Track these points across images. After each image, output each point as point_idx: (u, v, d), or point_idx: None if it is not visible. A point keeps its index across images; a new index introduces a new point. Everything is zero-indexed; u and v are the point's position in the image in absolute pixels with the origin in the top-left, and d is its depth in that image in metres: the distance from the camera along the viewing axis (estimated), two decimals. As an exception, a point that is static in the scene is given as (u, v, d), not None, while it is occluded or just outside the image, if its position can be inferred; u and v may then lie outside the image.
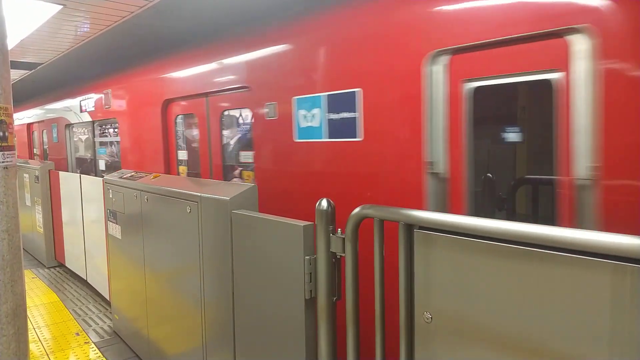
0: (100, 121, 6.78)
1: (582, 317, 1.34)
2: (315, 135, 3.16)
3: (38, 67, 6.73)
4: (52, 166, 7.65)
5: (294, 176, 3.36)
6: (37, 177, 7.58)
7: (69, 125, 7.82)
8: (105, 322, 5.14)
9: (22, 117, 10.72)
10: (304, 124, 3.24)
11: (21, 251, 2.49)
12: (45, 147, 9.46)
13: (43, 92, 9.58)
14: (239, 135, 4.29)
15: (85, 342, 4.62)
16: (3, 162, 2.35)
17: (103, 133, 7.00)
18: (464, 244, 1.61)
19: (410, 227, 1.80)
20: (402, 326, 1.84)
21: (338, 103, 2.99)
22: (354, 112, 2.89)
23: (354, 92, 2.89)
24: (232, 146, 4.35)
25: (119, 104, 5.91)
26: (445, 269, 1.69)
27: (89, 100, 6.76)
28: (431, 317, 1.73)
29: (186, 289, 3.31)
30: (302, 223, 2.30)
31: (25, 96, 10.64)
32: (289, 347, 2.40)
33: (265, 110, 3.55)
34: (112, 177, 4.59)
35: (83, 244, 6.32)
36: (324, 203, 2.16)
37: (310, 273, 2.25)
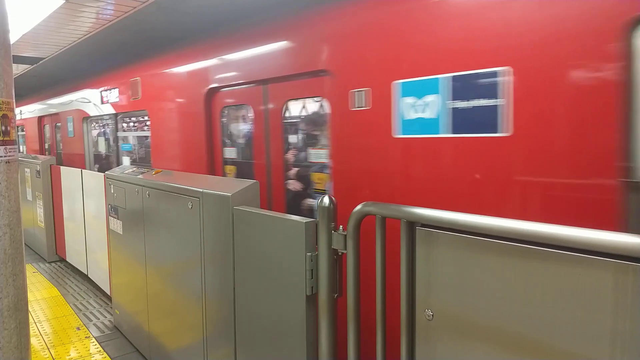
0: (125, 114, 6.07)
1: (584, 316, 1.34)
2: (430, 129, 2.43)
3: (53, 55, 6.40)
4: (53, 161, 7.64)
5: (392, 181, 2.63)
6: (38, 171, 7.59)
7: (86, 118, 7.06)
8: (106, 317, 5.15)
9: (34, 110, 9.86)
10: (410, 115, 2.52)
11: (22, 245, 2.49)
12: (58, 141, 8.70)
13: (57, 83, 8.74)
14: (308, 130, 3.58)
15: (85, 337, 4.63)
16: (5, 156, 2.35)
17: (129, 127, 6.40)
18: (466, 242, 1.61)
19: (412, 224, 1.80)
20: (403, 323, 1.84)
21: (470, 87, 2.26)
22: (496, 98, 2.15)
23: (498, 71, 2.15)
24: (296, 143, 3.67)
25: (150, 94, 5.13)
26: (447, 267, 1.69)
27: (113, 91, 5.99)
28: (432, 315, 1.73)
29: (187, 285, 3.31)
30: (303, 219, 2.30)
31: (38, 87, 9.87)
32: (290, 343, 2.41)
33: (351, 99, 2.82)
34: (114, 172, 4.58)
35: (84, 239, 6.32)
36: (326, 200, 2.15)
37: (312, 270, 2.25)
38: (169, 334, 3.69)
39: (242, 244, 2.75)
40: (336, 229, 2.16)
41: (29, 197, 8.16)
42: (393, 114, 2.58)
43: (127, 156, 6.30)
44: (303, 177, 3.56)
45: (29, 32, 4.95)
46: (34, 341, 4.47)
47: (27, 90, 10.42)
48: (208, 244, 3.04)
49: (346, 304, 2.09)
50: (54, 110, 8.47)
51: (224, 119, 4.23)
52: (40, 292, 6.07)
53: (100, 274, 5.90)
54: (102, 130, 7.01)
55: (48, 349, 4.36)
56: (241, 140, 4.20)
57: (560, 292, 1.38)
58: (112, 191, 4.47)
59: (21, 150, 11.32)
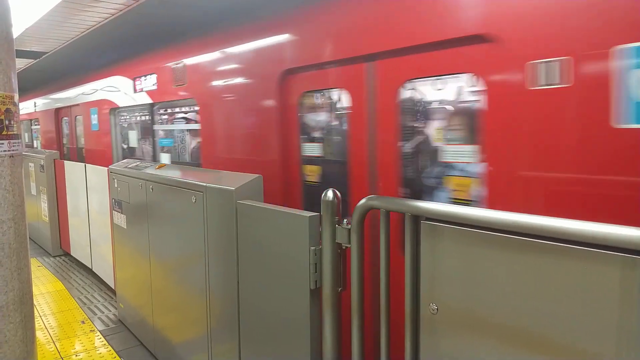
0: (165, 103, 5.18)
1: (590, 310, 1.33)
2: None
3: (56, 49, 6.27)
4: (57, 155, 7.65)
5: (613, 193, 1.80)
6: (42, 166, 7.61)
7: (114, 110, 6.13)
8: (111, 311, 5.18)
9: (50, 101, 8.76)
10: None
11: (27, 240, 2.50)
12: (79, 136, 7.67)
13: (76, 71, 7.78)
14: (438, 118, 2.73)
15: (90, 330, 4.66)
16: (9, 150, 2.35)
17: (170, 119, 5.55)
18: (471, 236, 1.60)
19: (417, 218, 1.79)
20: (407, 317, 1.84)
21: None
22: None
23: None
24: (424, 137, 2.82)
25: (200, 80, 4.26)
26: (452, 261, 1.68)
27: (149, 78, 5.11)
28: (437, 309, 1.73)
29: (191, 279, 3.32)
30: (307, 213, 2.30)
31: (44, 80, 9.06)
32: (294, 337, 2.41)
33: (531, 73, 2.01)
34: (118, 166, 4.59)
35: (88, 233, 6.35)
36: (330, 194, 2.15)
37: (316, 264, 2.25)
38: (173, 327, 3.70)
39: (246, 238, 2.75)
40: (340, 223, 2.16)
41: (33, 192, 8.19)
42: (615, 93, 1.79)
43: (167, 153, 5.43)
44: (431, 182, 2.73)
45: (32, 26, 4.94)
46: (39, 334, 4.50)
47: (35, 84, 9.96)
48: (212, 238, 3.04)
49: (350, 298, 2.09)
50: (74, 102, 7.50)
51: (304, 107, 3.40)
52: (45, 286, 6.10)
53: (104, 268, 5.92)
54: (134, 123, 6.08)
55: (53, 342, 4.39)
56: (329, 134, 3.42)
57: (566, 286, 1.37)
58: (116, 185, 4.48)
59: (35, 146, 10.61)
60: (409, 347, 1.85)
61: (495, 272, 1.55)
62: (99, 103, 6.41)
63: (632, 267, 1.24)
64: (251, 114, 3.69)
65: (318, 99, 3.44)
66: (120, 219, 4.44)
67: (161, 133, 5.50)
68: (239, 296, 2.82)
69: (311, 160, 3.38)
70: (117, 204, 4.50)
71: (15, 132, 2.40)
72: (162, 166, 4.06)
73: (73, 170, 6.72)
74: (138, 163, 4.46)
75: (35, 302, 5.13)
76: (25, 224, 2.48)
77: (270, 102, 3.46)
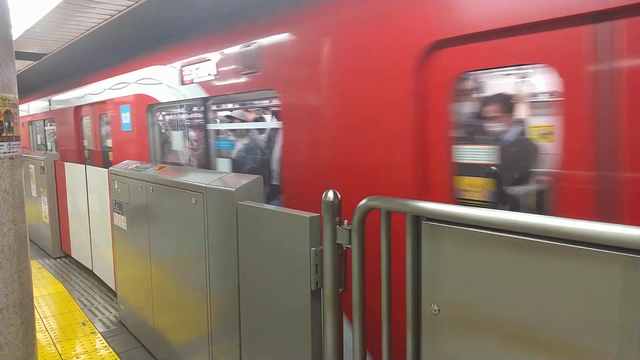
0: (228, 97, 4.15)
1: (592, 310, 1.32)
2: None
3: (56, 50, 6.14)
4: (57, 157, 7.65)
5: None
6: (42, 167, 7.61)
7: (153, 106, 5.16)
8: (111, 312, 5.17)
9: (68, 98, 7.74)
10: None
11: (27, 241, 2.49)
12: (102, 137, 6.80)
13: (97, 62, 6.75)
14: None
15: (91, 332, 4.65)
16: (9, 152, 2.35)
17: (229, 116, 4.74)
18: (473, 236, 1.59)
19: (418, 218, 1.78)
20: (408, 318, 1.83)
21: None
22: None
23: None
24: None
25: (284, 64, 3.26)
26: (453, 261, 1.67)
27: (204, 65, 4.12)
28: (438, 309, 1.72)
29: (192, 280, 3.31)
30: (308, 214, 2.29)
31: (65, 73, 8.00)
32: (295, 338, 2.40)
33: None
34: (118, 168, 4.58)
35: (89, 234, 6.34)
36: (330, 194, 2.14)
37: (317, 264, 2.24)
38: (174, 329, 3.69)
39: (247, 239, 2.74)
40: (340, 223, 2.15)
41: (34, 193, 8.19)
42: None
43: (226, 158, 4.41)
44: None
45: (31, 27, 4.94)
46: (40, 337, 4.50)
47: (44, 83, 9.32)
48: (212, 239, 3.04)
49: (351, 299, 2.08)
50: (99, 98, 6.49)
51: (462, 95, 2.46)
52: (46, 288, 6.10)
53: (105, 270, 5.92)
54: (179, 122, 5.01)
55: (54, 344, 4.38)
56: (510, 133, 2.56)
57: (569, 286, 1.37)
58: (116, 187, 4.47)
59: (49, 148, 9.64)
60: (410, 348, 1.85)
61: (497, 273, 1.54)
62: (133, 99, 5.49)
63: (634, 266, 1.23)
64: (367, 107, 2.67)
65: (488, 83, 2.55)
66: (121, 221, 4.44)
67: (219, 134, 4.51)
68: (240, 297, 2.82)
69: (473, 170, 2.47)
70: (117, 206, 4.50)
71: (15, 134, 2.39)
72: (162, 167, 4.05)
73: (73, 171, 6.72)
74: (138, 164, 4.45)
75: (35, 304, 5.13)
76: (26, 226, 2.47)
77: (403, 91, 2.47)
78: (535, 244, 1.42)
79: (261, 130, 4.76)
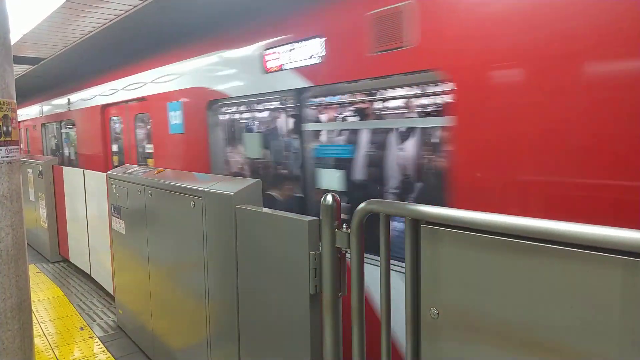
0: (344, 86, 3.14)
1: (591, 313, 1.32)
2: None
3: (54, 55, 6.01)
4: (55, 161, 7.63)
5: None
6: (40, 172, 7.60)
7: (215, 102, 4.15)
8: (110, 317, 5.15)
9: (94, 96, 6.66)
10: None
11: (25, 246, 2.48)
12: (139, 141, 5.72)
13: (132, 53, 5.72)
14: None
15: (89, 337, 4.63)
16: (7, 157, 2.34)
17: (343, 114, 3.81)
18: (472, 239, 1.59)
19: (417, 222, 1.78)
20: (408, 322, 1.83)
21: None
22: None
23: None
24: None
25: (462, 31, 2.28)
26: (452, 265, 1.67)
27: (301, 45, 3.17)
28: (438, 313, 1.72)
29: (190, 284, 3.30)
30: (306, 218, 2.29)
31: (84, 69, 7.07)
32: (294, 342, 2.40)
33: None
34: (116, 172, 4.58)
35: (87, 239, 6.33)
36: (329, 198, 2.14)
37: (315, 268, 2.24)
38: (173, 333, 3.68)
39: (245, 243, 2.74)
40: (339, 227, 2.15)
41: (32, 198, 8.18)
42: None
43: (334, 170, 3.29)
44: None
45: (29, 32, 4.94)
46: (38, 342, 4.48)
47: (53, 82, 8.57)
48: (211, 243, 3.03)
49: (350, 303, 2.08)
50: (135, 95, 5.48)
51: None
52: (44, 293, 6.07)
53: (103, 274, 5.90)
54: (254, 121, 4.11)
55: (52, 349, 4.36)
56: None
57: (568, 289, 1.36)
58: (115, 191, 4.46)
59: (67, 154, 8.52)
60: (409, 352, 1.84)
61: (497, 276, 1.54)
62: (186, 93, 4.49)
63: (633, 269, 1.23)
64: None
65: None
66: (119, 225, 4.43)
67: (321, 136, 3.53)
68: (239, 301, 2.81)
69: None
70: (115, 210, 4.49)
71: (13, 139, 2.39)
72: (161, 171, 4.05)
73: (71, 175, 6.71)
74: (136, 168, 4.44)
75: (33, 309, 5.11)
76: (24, 230, 2.47)
77: None
78: (534, 247, 1.42)
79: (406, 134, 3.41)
